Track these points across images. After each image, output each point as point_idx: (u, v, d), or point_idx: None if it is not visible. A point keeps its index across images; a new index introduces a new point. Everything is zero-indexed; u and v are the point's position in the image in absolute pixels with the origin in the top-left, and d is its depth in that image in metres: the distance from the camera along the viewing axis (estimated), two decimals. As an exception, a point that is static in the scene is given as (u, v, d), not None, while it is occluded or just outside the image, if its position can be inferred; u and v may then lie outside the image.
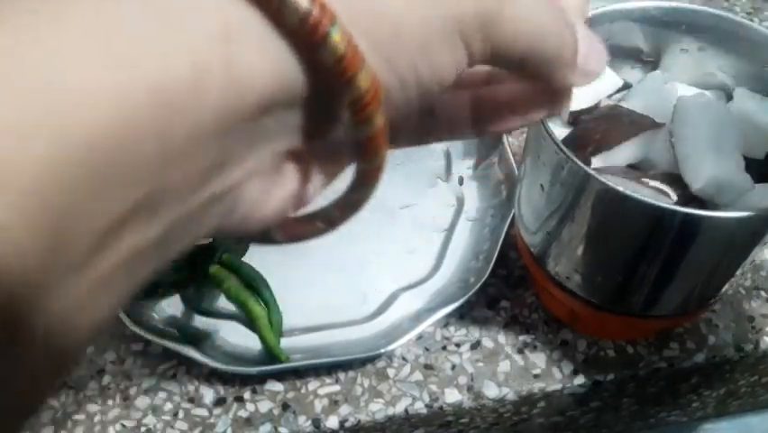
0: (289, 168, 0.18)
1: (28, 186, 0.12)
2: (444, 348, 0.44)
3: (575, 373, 0.43)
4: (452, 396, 0.42)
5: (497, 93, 0.22)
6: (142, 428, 0.40)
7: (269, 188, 0.18)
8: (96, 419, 0.41)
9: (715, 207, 0.36)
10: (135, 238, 0.14)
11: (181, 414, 0.41)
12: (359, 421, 0.41)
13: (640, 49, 0.43)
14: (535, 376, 0.43)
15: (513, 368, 0.43)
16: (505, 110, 0.22)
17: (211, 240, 0.47)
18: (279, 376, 0.42)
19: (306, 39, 0.15)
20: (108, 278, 0.14)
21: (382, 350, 0.42)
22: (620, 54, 0.43)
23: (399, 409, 0.41)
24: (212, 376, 0.43)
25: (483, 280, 0.45)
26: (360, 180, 0.18)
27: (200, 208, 0.15)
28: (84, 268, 0.13)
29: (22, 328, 0.12)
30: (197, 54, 0.14)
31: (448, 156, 0.55)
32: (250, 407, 0.41)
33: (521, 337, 0.45)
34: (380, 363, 0.43)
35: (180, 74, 0.13)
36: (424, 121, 0.22)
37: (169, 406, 0.41)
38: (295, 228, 0.20)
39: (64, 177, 0.12)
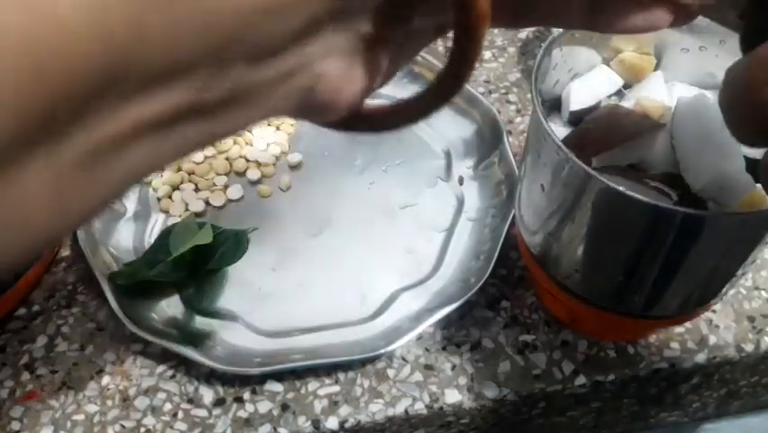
0: (362, 57, 0.17)
1: None
2: (444, 348, 0.44)
3: (575, 373, 0.43)
4: (452, 396, 0.42)
5: None
6: (142, 429, 0.40)
7: (348, 73, 0.17)
8: (96, 419, 0.41)
9: (715, 207, 0.36)
10: (187, 92, 0.14)
11: (181, 414, 0.41)
12: (359, 422, 0.41)
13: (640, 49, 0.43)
14: (536, 377, 0.43)
15: (513, 368, 0.43)
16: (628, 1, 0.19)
17: (211, 240, 0.47)
18: (279, 377, 0.42)
19: None
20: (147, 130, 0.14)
21: (382, 350, 0.42)
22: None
23: (399, 409, 0.41)
24: (211, 376, 0.43)
25: (483, 280, 0.45)
26: (457, 54, 0.16)
27: (277, 79, 0.15)
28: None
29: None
30: None
31: (448, 156, 0.55)
32: (249, 407, 0.41)
33: (521, 338, 0.45)
34: (380, 364, 0.43)
35: None
36: None
37: (168, 406, 0.41)
38: (382, 116, 0.19)
39: None
